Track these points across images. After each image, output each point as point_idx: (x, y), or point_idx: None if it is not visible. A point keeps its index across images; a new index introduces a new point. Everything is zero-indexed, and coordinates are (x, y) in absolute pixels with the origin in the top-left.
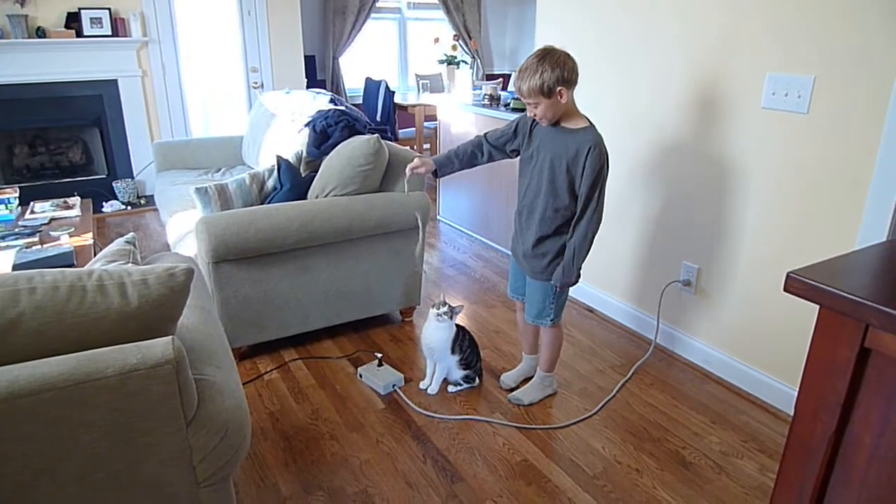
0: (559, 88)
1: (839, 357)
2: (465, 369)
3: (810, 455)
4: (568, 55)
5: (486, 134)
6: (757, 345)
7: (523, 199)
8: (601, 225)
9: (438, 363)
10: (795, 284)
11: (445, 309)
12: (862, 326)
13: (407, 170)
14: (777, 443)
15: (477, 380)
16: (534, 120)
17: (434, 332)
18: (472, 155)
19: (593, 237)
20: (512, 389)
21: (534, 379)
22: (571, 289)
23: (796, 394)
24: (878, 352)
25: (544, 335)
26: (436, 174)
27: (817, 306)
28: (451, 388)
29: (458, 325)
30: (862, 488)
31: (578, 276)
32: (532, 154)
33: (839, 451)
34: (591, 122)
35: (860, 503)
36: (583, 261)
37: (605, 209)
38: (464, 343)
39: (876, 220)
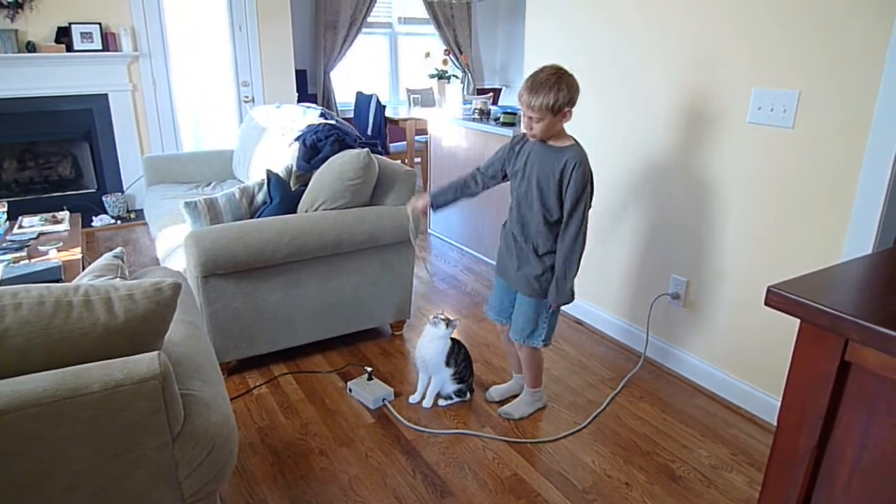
0: (567, 109)
1: (820, 371)
2: (458, 383)
3: (793, 468)
4: (575, 79)
5: (478, 167)
6: (746, 358)
7: (513, 214)
8: (586, 243)
9: (434, 376)
10: (775, 298)
11: (443, 317)
12: (842, 340)
13: (408, 210)
14: (766, 455)
15: (468, 394)
16: (518, 140)
17: (430, 345)
18: (464, 184)
19: (580, 254)
20: (499, 404)
21: (522, 394)
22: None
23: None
24: (857, 365)
25: (524, 355)
26: (433, 206)
27: (798, 320)
28: (441, 403)
29: (453, 339)
30: (845, 499)
31: (572, 294)
32: (518, 172)
33: (822, 463)
34: (576, 141)
35: None
36: (573, 277)
37: (594, 223)
38: (458, 356)
39: (861, 233)
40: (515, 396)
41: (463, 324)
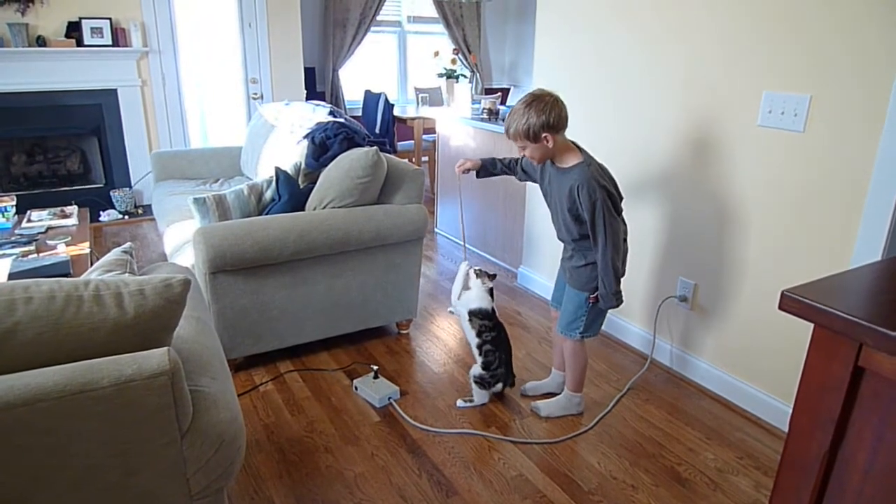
0: (545, 135)
1: (833, 375)
2: (483, 368)
3: (804, 472)
4: (556, 101)
5: (521, 160)
6: (753, 361)
7: (553, 224)
8: (624, 248)
9: (461, 319)
10: (790, 303)
11: (480, 270)
12: (856, 345)
13: (457, 169)
14: (772, 459)
15: (499, 385)
16: None
17: (469, 292)
18: (509, 166)
19: (614, 262)
20: (532, 399)
21: (560, 396)
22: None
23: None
24: (871, 371)
25: (566, 349)
26: (478, 174)
27: (812, 324)
28: (459, 403)
29: (498, 322)
30: None
31: (618, 299)
32: (546, 190)
33: (833, 468)
34: (583, 157)
35: None
36: (614, 285)
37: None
38: (486, 333)
39: (871, 238)
40: (550, 395)
41: None
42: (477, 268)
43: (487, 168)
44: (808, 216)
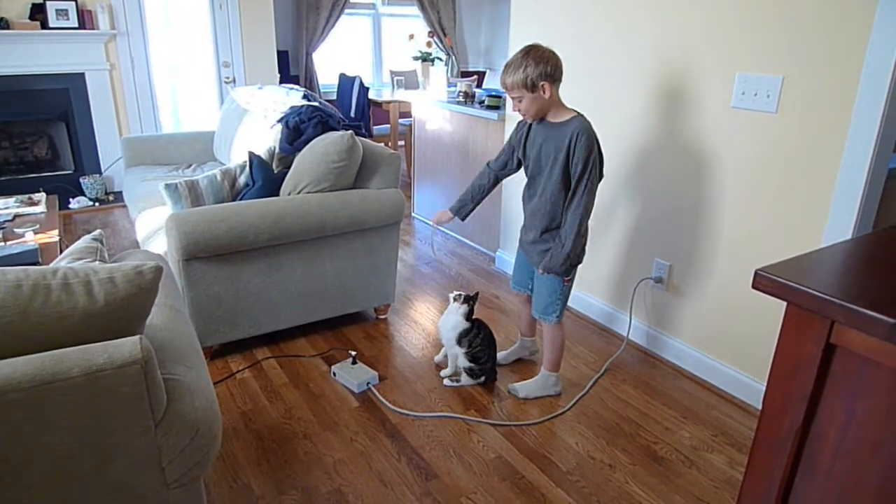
0: (542, 83)
1: (805, 353)
2: (470, 361)
3: (777, 449)
4: (553, 52)
5: (488, 162)
6: (728, 341)
7: (525, 193)
8: (590, 215)
9: (448, 350)
10: (763, 282)
11: (459, 294)
12: (827, 323)
13: (433, 225)
14: (746, 437)
15: (482, 378)
16: (526, 128)
17: (447, 318)
18: (479, 186)
19: (582, 224)
20: (511, 370)
21: (537, 376)
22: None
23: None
24: (842, 347)
25: (546, 333)
26: (460, 217)
27: (785, 303)
28: (446, 382)
29: (475, 320)
30: (827, 480)
31: (569, 266)
32: (530, 155)
33: (805, 444)
34: (578, 113)
35: (826, 495)
36: (573, 249)
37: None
38: (475, 339)
39: (842, 217)
40: (522, 363)
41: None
42: (457, 293)
43: (462, 206)
44: (782, 196)
